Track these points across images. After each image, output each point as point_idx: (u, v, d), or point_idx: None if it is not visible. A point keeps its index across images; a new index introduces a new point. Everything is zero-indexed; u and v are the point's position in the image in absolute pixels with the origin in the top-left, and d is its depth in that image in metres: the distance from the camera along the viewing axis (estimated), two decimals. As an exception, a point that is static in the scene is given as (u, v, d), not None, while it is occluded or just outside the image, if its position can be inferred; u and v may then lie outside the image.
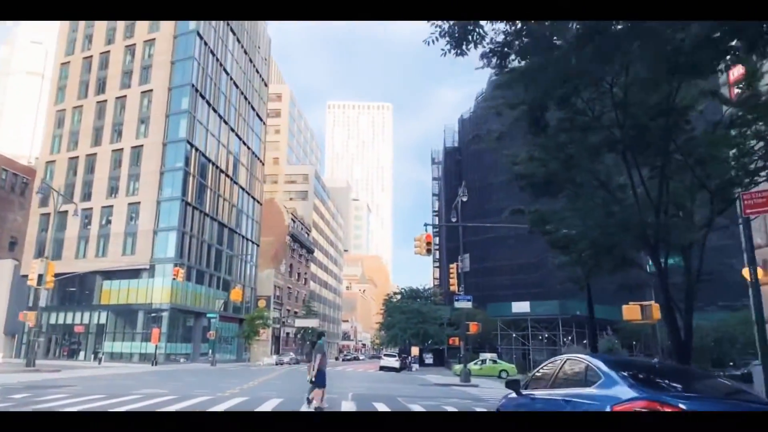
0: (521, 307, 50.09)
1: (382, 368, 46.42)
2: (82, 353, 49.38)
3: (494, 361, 40.10)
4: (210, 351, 49.22)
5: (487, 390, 24.72)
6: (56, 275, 50.63)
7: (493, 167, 73.33)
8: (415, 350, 53.88)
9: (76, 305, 51.21)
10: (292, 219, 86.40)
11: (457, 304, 27.84)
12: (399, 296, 66.34)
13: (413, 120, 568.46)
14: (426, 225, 21.53)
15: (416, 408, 15.00)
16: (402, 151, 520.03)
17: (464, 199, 28.94)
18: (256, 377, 29.55)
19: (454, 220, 32.88)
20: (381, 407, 14.74)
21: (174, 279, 40.39)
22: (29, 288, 50.85)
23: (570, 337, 48.99)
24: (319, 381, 12.09)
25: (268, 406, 13.64)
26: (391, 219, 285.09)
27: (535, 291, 65.53)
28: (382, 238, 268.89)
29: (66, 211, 53.43)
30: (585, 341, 47.82)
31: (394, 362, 46.81)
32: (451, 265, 28.39)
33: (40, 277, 31.07)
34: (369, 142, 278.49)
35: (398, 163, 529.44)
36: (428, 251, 21.93)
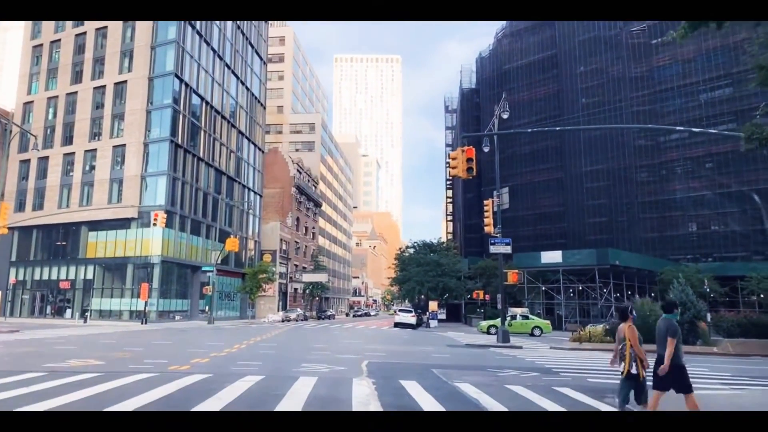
0: (552, 257, 44.89)
1: (397, 325, 42.17)
2: (69, 311, 45.24)
3: (525, 317, 35.18)
4: (207, 307, 44.92)
5: (536, 353, 19.79)
6: (39, 226, 46.39)
7: (520, 106, 67.33)
8: (433, 305, 49.26)
9: (61, 259, 46.81)
10: (297, 170, 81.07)
11: (493, 249, 22.66)
12: (412, 249, 61.51)
13: (422, 76, 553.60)
14: (465, 136, 15.96)
15: (471, 390, 9.99)
16: (411, 108, 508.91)
17: (505, 115, 23.30)
18: (248, 337, 24.94)
19: (486, 150, 27.28)
20: (415, 390, 9.76)
21: (155, 225, 35.52)
22: (10, 241, 46.70)
23: (606, 290, 43.91)
24: (665, 382, 6.55)
25: (228, 395, 8.65)
26: (400, 176, 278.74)
27: (561, 242, 60.53)
28: (392, 194, 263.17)
29: (47, 157, 48.74)
30: (630, 294, 42.86)
31: (410, 318, 42.40)
32: (485, 202, 23.05)
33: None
34: (377, 96, 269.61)
35: (408, 120, 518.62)
36: (468, 171, 16.51)
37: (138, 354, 15.71)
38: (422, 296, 54.37)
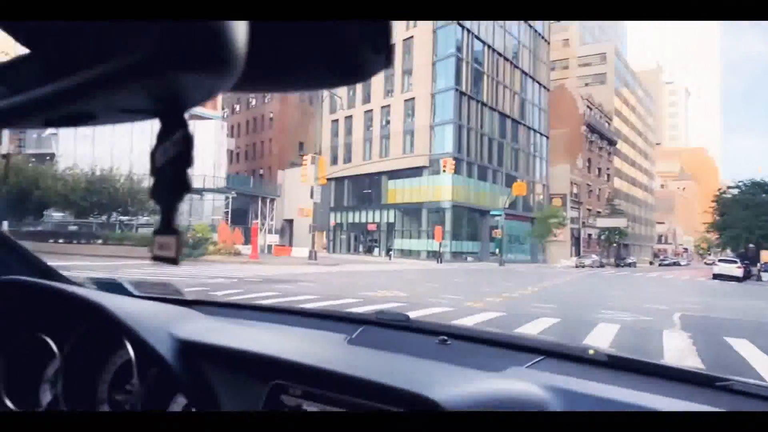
0: None
1: (716, 276, 35.57)
2: (376, 249, 51.38)
3: None
4: (497, 250, 45.53)
5: None
6: (349, 177, 53.37)
7: None
8: (765, 255, 40.16)
9: (367, 205, 53.14)
10: (587, 107, 74.74)
11: None
12: (736, 190, 51.03)
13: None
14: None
15: None
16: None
17: None
18: (540, 281, 23.92)
19: None
20: (747, 350, 7.43)
21: (444, 172, 36.95)
22: (322, 189, 54.97)
23: None
24: None
25: (531, 328, 8.02)
26: (719, 103, 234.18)
27: None
28: (707, 127, 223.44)
29: (351, 116, 55.33)
30: None
31: (734, 270, 35.30)
32: None
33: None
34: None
35: (729, 33, 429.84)
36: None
37: (435, 289, 16.35)
38: (750, 245, 44.96)
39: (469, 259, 47.24)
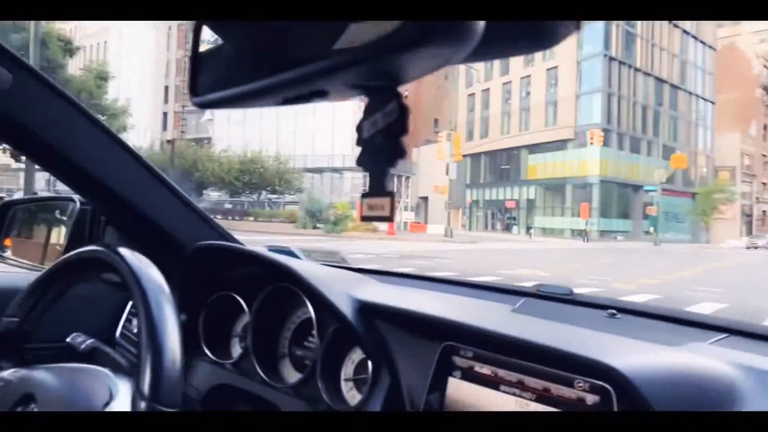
0: None
1: None
2: (515, 227, 49.84)
3: None
4: (651, 229, 41.83)
5: None
6: (485, 153, 52.07)
7: None
8: None
9: (505, 181, 51.57)
10: (764, 66, 65.08)
11: None
12: None
13: None
14: None
15: None
16: None
17: None
18: (702, 262, 21.60)
19: None
20: None
21: (591, 144, 34.56)
22: (458, 165, 54.25)
23: None
24: None
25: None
26: None
27: None
28: None
29: (488, 89, 53.65)
30: None
31: None
32: None
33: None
34: None
35: None
36: None
37: (580, 269, 15.51)
38: None
39: (618, 238, 44.05)
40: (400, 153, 0.44)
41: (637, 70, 46.31)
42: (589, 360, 0.79)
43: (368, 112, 0.45)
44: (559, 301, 1.37)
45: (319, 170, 43.97)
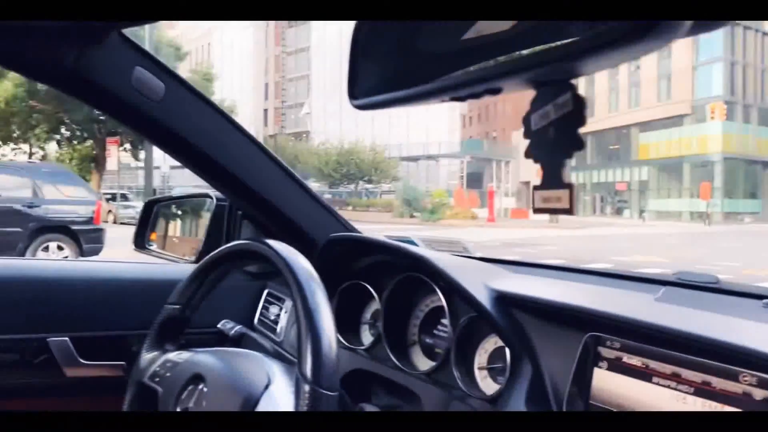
0: None
1: None
2: (627, 211, 46.98)
3: None
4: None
5: None
6: (591, 132, 49.34)
7: None
8: None
9: (615, 162, 48.67)
10: None
11: None
12: None
13: None
14: None
15: None
16: None
17: None
18: None
19: None
20: None
21: (712, 119, 31.72)
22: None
23: None
24: None
25: None
26: None
27: None
28: None
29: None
30: None
31: None
32: None
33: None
34: None
35: None
36: None
37: (703, 255, 14.49)
38: None
39: (746, 220, 40.10)
40: (578, 144, 0.43)
41: (765, 34, 41.71)
42: (756, 352, 0.73)
43: (537, 104, 0.45)
44: (704, 290, 1.26)
45: (415, 158, 44.08)
